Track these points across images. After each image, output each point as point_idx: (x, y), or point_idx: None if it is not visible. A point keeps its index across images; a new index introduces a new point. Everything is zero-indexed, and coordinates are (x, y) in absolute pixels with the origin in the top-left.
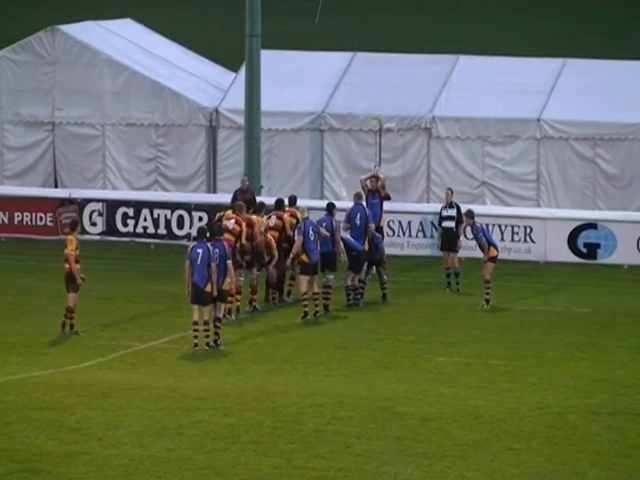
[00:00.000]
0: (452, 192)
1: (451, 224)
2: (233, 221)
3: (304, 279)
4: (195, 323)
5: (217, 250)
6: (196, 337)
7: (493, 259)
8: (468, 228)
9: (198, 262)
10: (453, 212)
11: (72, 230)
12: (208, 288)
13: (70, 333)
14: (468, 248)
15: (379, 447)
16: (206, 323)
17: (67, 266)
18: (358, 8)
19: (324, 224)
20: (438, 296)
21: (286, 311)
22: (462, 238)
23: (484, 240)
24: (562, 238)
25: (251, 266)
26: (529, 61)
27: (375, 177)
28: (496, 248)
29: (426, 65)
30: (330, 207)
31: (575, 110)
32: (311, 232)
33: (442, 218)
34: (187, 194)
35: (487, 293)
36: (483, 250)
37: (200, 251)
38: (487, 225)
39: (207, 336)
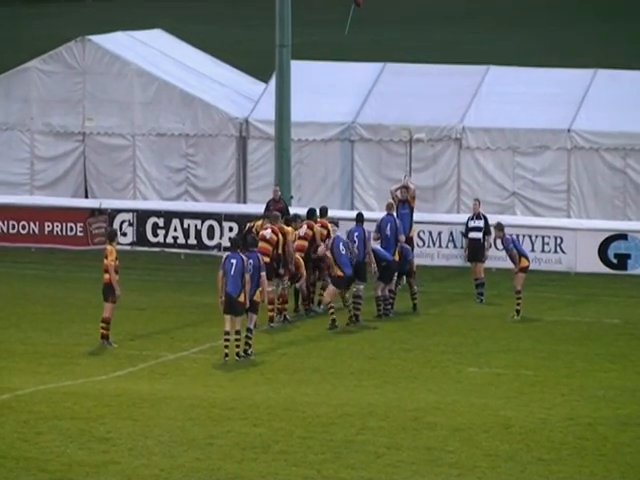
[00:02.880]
0: (479, 203)
1: (478, 235)
2: (270, 230)
3: (334, 291)
4: (227, 333)
5: (251, 261)
6: (227, 347)
7: (524, 269)
8: (498, 240)
9: (232, 272)
10: (480, 223)
11: (111, 241)
12: (241, 298)
13: (105, 343)
14: (498, 259)
15: (409, 457)
16: (237, 333)
17: (106, 276)
18: (388, 19)
19: (356, 234)
20: (468, 307)
21: (316, 321)
22: (491, 249)
23: (515, 252)
24: (592, 249)
25: (282, 276)
26: (560, 72)
27: (405, 187)
28: (527, 259)
29: (456, 76)
30: (360, 217)
31: (606, 121)
32: (341, 247)
33: (469, 229)
34: (217, 204)
35: (518, 304)
36: (514, 261)
37: (234, 261)
38: (517, 236)
39: (238, 346)
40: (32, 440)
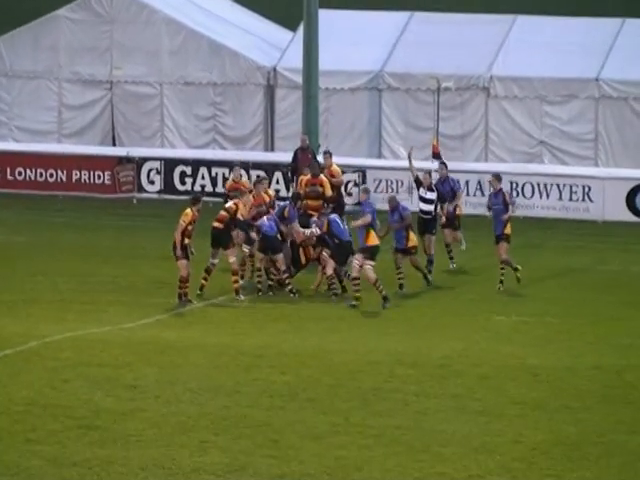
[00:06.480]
0: (430, 175)
1: (430, 207)
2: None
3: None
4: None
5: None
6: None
7: (508, 238)
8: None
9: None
10: (433, 195)
11: (191, 204)
12: None
13: (184, 301)
14: (525, 207)
15: (437, 405)
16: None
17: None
18: None
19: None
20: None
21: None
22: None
23: (514, 208)
24: (620, 197)
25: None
26: (588, 20)
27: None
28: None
29: (484, 24)
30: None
31: (634, 69)
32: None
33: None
34: (245, 152)
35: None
36: (505, 218)
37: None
38: (545, 185)
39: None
40: (59, 387)
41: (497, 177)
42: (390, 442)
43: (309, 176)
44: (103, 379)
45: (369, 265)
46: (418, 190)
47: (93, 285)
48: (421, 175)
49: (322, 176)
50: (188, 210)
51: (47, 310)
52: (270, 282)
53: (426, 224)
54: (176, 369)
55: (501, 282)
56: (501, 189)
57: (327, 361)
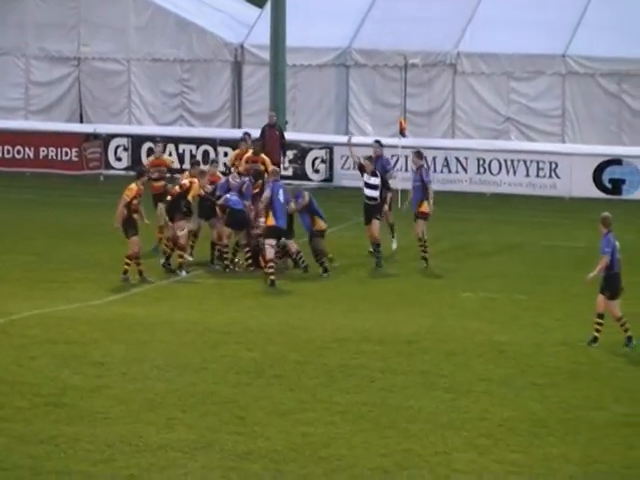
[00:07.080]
0: (372, 160)
1: (374, 193)
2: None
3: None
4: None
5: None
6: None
7: (425, 216)
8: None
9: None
10: (376, 180)
11: (136, 178)
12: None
13: (142, 279)
14: (492, 183)
15: (403, 381)
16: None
17: (125, 212)
18: None
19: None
20: (464, 232)
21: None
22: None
23: (431, 187)
24: (587, 174)
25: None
26: None
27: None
28: (428, 204)
29: (451, 1)
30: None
31: (601, 46)
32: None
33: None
34: (212, 129)
35: (423, 251)
36: (424, 198)
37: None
38: (512, 161)
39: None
40: (26, 364)
41: (418, 154)
42: (356, 419)
43: (249, 153)
44: (70, 356)
45: (268, 244)
46: (362, 176)
47: (60, 262)
48: (364, 161)
49: (263, 155)
50: (132, 185)
51: (14, 287)
52: (236, 258)
53: (372, 210)
54: (143, 346)
55: (424, 259)
56: (421, 166)
57: (294, 338)
